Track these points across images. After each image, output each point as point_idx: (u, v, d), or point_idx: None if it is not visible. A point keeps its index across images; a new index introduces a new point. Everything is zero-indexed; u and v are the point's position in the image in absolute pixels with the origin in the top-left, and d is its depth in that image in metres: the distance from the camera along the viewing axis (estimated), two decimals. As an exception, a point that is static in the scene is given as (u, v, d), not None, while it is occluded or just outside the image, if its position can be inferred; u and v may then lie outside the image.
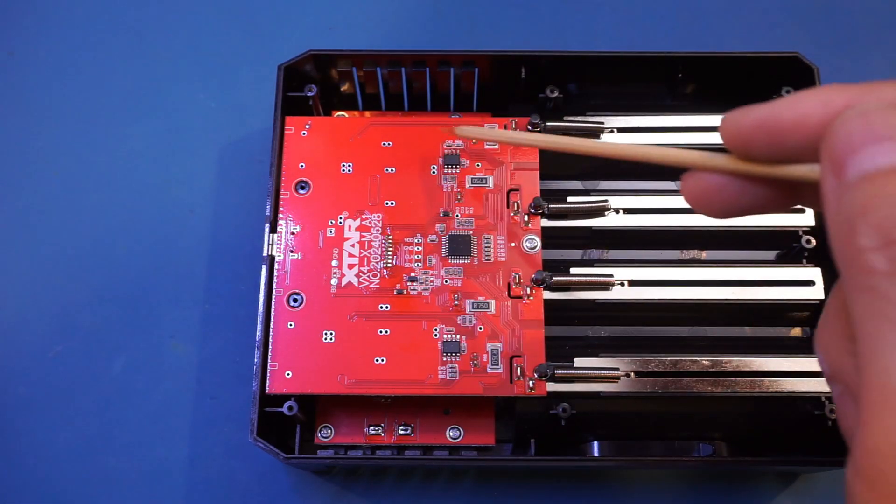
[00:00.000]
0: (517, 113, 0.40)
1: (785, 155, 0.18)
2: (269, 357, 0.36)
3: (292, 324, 0.36)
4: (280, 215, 0.38)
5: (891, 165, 0.16)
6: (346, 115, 0.43)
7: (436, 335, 0.36)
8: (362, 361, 0.36)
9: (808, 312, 0.38)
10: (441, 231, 0.38)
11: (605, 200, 0.38)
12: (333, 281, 0.37)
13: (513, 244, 0.38)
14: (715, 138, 0.40)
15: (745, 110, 0.19)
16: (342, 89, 0.42)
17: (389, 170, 0.39)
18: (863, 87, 0.17)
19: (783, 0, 0.50)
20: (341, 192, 0.38)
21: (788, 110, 0.18)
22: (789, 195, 0.20)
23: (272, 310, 0.36)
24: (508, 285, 0.37)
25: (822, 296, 0.37)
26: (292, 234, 0.38)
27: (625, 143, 0.21)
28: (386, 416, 0.38)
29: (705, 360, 0.36)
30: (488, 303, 0.37)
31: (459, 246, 0.37)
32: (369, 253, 0.37)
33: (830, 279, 0.38)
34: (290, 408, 0.35)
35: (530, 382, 0.35)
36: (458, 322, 0.36)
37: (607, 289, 0.37)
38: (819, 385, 0.36)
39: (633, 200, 0.39)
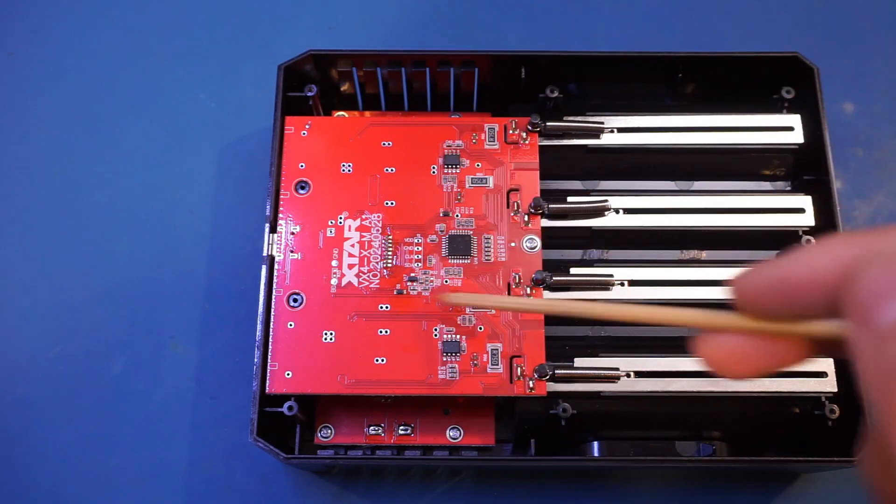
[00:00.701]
0: (517, 113, 0.40)
1: (800, 312, 0.18)
2: (269, 357, 0.36)
3: (292, 324, 0.36)
4: (280, 215, 0.38)
5: None
6: (346, 115, 0.43)
7: (436, 335, 0.36)
8: (362, 361, 0.36)
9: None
10: (441, 231, 0.38)
11: (605, 200, 0.38)
12: (333, 281, 0.37)
13: (513, 244, 0.38)
14: (714, 138, 0.40)
15: (755, 272, 0.19)
16: (342, 89, 0.42)
17: (389, 170, 0.39)
18: (870, 235, 0.17)
19: (783, 0, 0.50)
20: (341, 192, 0.38)
21: (800, 269, 0.18)
22: (809, 348, 0.19)
23: (272, 310, 0.36)
24: (508, 285, 0.37)
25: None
26: (292, 234, 0.38)
27: (635, 306, 0.21)
28: (386, 416, 0.38)
29: (705, 360, 0.36)
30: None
31: (459, 246, 0.37)
32: (369, 253, 0.37)
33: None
34: (290, 408, 0.35)
35: (530, 382, 0.35)
36: (458, 322, 0.36)
37: (607, 289, 0.37)
38: (819, 385, 0.36)
39: (633, 200, 0.39)
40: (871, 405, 0.17)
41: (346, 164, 0.39)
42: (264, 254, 0.37)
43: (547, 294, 0.37)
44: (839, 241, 0.18)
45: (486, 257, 0.37)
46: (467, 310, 0.36)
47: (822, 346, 0.19)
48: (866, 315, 0.16)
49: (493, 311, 0.36)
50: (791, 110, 0.40)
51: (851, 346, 0.17)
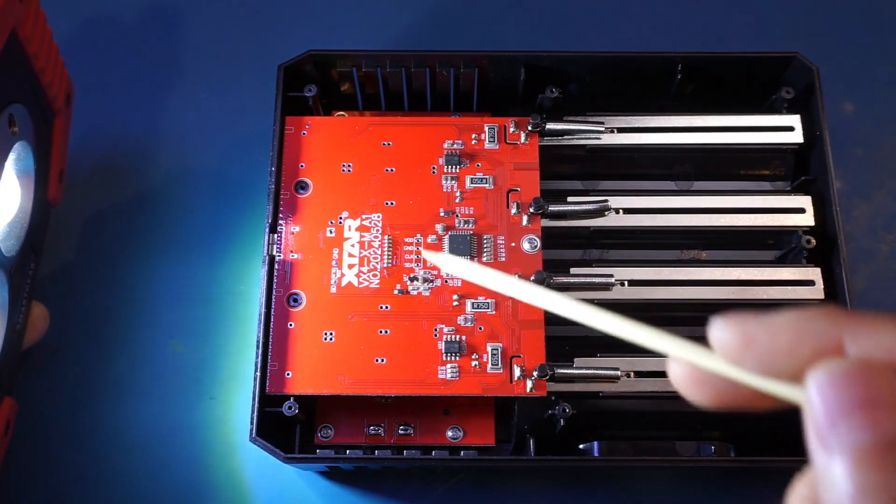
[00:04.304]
0: (517, 113, 0.40)
1: (768, 371, 0.18)
2: (269, 357, 0.36)
3: (292, 324, 0.36)
4: (280, 215, 0.38)
5: (870, 442, 0.16)
6: (346, 115, 0.43)
7: (436, 335, 0.36)
8: (362, 361, 0.36)
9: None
10: (441, 231, 0.38)
11: (605, 200, 0.38)
12: (333, 281, 0.37)
13: (513, 244, 0.38)
14: (714, 138, 0.40)
15: (737, 323, 0.18)
16: (342, 89, 0.42)
17: (389, 170, 0.39)
18: (859, 323, 0.17)
19: (783, 0, 0.50)
20: (341, 192, 0.38)
21: (774, 335, 0.18)
22: (775, 401, 0.19)
23: (272, 310, 0.36)
24: (508, 285, 0.37)
25: (821, 296, 0.37)
26: (292, 234, 0.38)
27: (621, 321, 0.21)
28: (386, 416, 0.38)
29: (705, 360, 0.36)
30: (488, 303, 0.37)
31: (459, 246, 0.37)
32: (369, 253, 0.37)
33: (830, 279, 0.38)
34: (290, 408, 0.35)
35: (530, 382, 0.35)
36: (458, 322, 0.36)
37: (607, 289, 0.37)
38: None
39: (633, 200, 0.39)
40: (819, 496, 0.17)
41: (346, 164, 0.39)
42: (264, 254, 0.37)
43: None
44: (828, 319, 0.17)
45: (486, 257, 0.37)
46: (467, 308, 0.36)
47: (787, 403, 0.19)
48: (818, 433, 0.16)
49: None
50: (791, 110, 0.40)
51: (809, 448, 0.17)
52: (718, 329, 0.19)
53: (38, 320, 0.39)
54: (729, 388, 0.19)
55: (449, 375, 0.36)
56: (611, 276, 0.37)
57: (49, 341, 0.41)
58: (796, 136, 0.40)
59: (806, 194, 0.39)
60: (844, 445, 0.16)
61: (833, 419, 0.16)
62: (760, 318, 0.18)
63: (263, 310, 0.36)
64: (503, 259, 0.37)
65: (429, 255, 0.30)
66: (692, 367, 0.19)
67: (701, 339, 0.19)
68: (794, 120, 0.40)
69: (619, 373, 0.36)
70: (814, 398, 0.17)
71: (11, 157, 0.36)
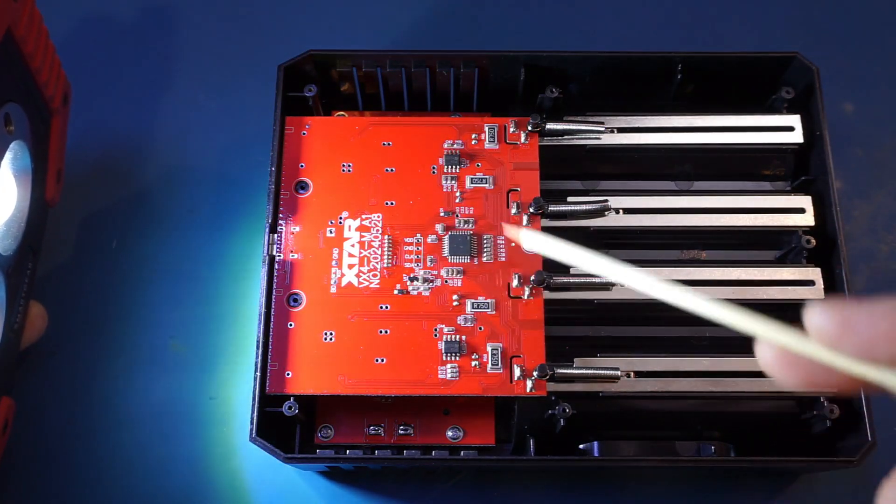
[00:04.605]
0: (517, 113, 0.40)
1: (873, 356, 0.18)
2: (269, 357, 0.36)
3: (292, 324, 0.36)
4: (280, 215, 0.38)
5: None
6: (346, 115, 0.43)
7: (436, 335, 0.36)
8: (362, 361, 0.36)
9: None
10: (441, 231, 0.38)
11: (605, 200, 0.38)
12: (333, 281, 0.37)
13: (513, 244, 0.38)
14: (714, 138, 0.40)
15: (837, 308, 0.18)
16: (342, 89, 0.42)
17: (389, 170, 0.39)
18: None
19: (783, 0, 0.50)
20: (341, 192, 0.38)
21: (882, 320, 0.18)
22: (866, 385, 0.19)
23: (272, 310, 0.36)
24: (508, 285, 0.37)
25: (821, 296, 0.37)
26: (292, 234, 0.38)
27: (718, 305, 0.21)
28: (386, 416, 0.38)
29: (705, 360, 0.36)
30: (488, 303, 0.37)
31: (460, 246, 0.37)
32: (369, 253, 0.37)
33: (830, 279, 0.38)
34: (290, 408, 0.35)
35: (530, 382, 0.35)
36: (459, 322, 0.36)
37: (607, 289, 0.37)
38: (819, 385, 0.36)
39: (633, 200, 0.39)
40: None
41: (346, 164, 0.39)
42: (264, 254, 0.37)
43: (547, 294, 0.37)
44: None
45: (486, 257, 0.37)
46: (467, 308, 0.36)
47: (877, 387, 0.19)
48: None
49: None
50: (791, 110, 0.40)
51: None
52: (816, 314, 0.19)
53: (37, 320, 0.39)
54: (820, 371, 0.19)
55: (449, 375, 0.36)
56: (611, 276, 0.37)
57: (48, 342, 0.41)
58: (796, 136, 0.40)
59: (806, 194, 0.39)
60: None
61: None
62: (860, 303, 0.18)
63: (263, 310, 0.36)
64: (503, 259, 0.37)
65: (509, 231, 0.29)
66: (783, 349, 0.19)
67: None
68: (794, 120, 0.40)
69: (619, 373, 0.36)
70: None
71: (8, 156, 0.36)
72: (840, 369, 0.19)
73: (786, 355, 0.19)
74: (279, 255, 0.37)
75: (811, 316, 0.19)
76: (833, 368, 0.19)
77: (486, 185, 0.39)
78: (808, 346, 0.19)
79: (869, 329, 0.18)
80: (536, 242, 0.26)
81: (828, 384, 0.19)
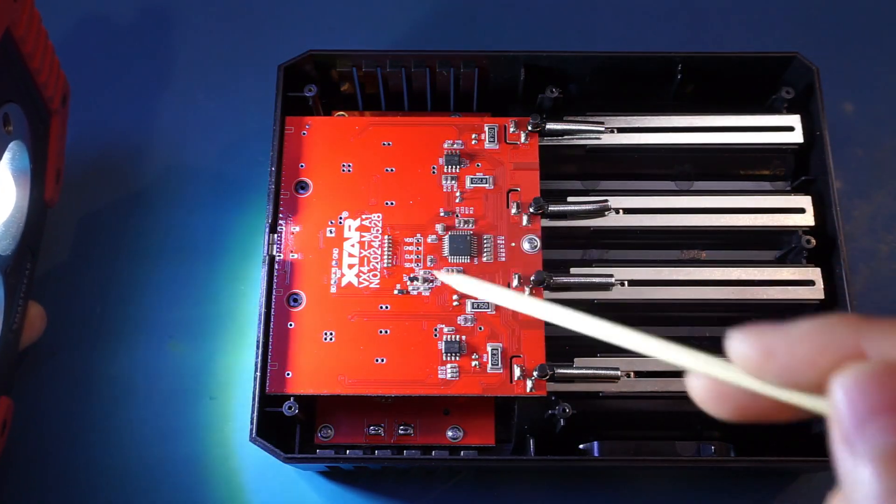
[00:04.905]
0: (517, 113, 0.40)
1: (789, 382, 0.18)
2: (269, 357, 0.36)
3: (292, 324, 0.36)
4: (280, 215, 0.38)
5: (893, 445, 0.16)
6: (346, 115, 0.43)
7: (436, 335, 0.36)
8: (362, 361, 0.36)
9: (808, 312, 0.38)
10: (441, 231, 0.38)
11: (605, 200, 0.38)
12: (333, 281, 0.37)
13: (513, 244, 0.38)
14: (714, 138, 0.40)
15: (755, 335, 0.18)
16: (342, 89, 0.42)
17: (389, 170, 0.39)
18: (879, 327, 0.17)
19: (783, 0, 0.50)
20: (341, 192, 0.38)
21: (794, 345, 0.18)
22: (797, 412, 0.19)
23: (272, 310, 0.36)
24: (508, 285, 0.37)
25: (821, 296, 0.37)
26: (292, 234, 0.38)
27: (631, 332, 0.21)
28: (386, 416, 0.37)
29: (705, 360, 0.36)
30: (488, 303, 0.37)
31: (460, 246, 0.37)
32: (369, 253, 0.37)
33: (830, 279, 0.38)
34: (290, 408, 0.35)
35: (530, 382, 0.35)
36: (458, 322, 0.36)
37: (607, 289, 0.37)
38: (819, 385, 0.36)
39: (633, 200, 0.39)
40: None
41: (346, 164, 0.39)
42: (264, 254, 0.37)
43: (547, 294, 0.37)
44: (840, 326, 0.17)
45: (486, 257, 0.37)
46: (467, 308, 0.36)
47: (809, 411, 0.19)
48: (845, 437, 0.16)
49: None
50: (791, 110, 0.40)
51: (833, 450, 0.17)
52: (737, 342, 0.18)
53: (36, 320, 0.40)
54: (750, 400, 0.19)
55: (449, 375, 0.36)
56: (611, 276, 0.37)
57: (47, 343, 0.41)
58: (796, 136, 0.40)
59: (806, 194, 0.39)
60: (872, 448, 0.16)
61: (860, 423, 0.16)
62: (779, 328, 0.18)
63: (263, 310, 0.36)
64: (503, 259, 0.37)
65: (442, 277, 0.30)
66: (712, 380, 0.19)
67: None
68: (794, 120, 0.40)
69: (619, 373, 0.36)
70: (839, 402, 0.16)
71: (7, 156, 0.36)
72: (767, 396, 0.18)
73: (715, 387, 0.19)
74: (279, 255, 0.37)
75: (732, 343, 0.18)
76: (761, 396, 0.18)
77: (486, 185, 0.39)
78: (734, 375, 0.19)
79: (788, 354, 0.18)
80: (469, 286, 0.26)
81: (759, 413, 0.19)
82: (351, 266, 0.37)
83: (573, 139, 0.40)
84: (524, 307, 0.23)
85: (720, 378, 0.19)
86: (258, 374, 0.35)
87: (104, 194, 0.45)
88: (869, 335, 0.17)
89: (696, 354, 0.19)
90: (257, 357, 0.35)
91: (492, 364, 0.36)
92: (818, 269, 0.38)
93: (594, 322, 0.21)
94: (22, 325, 0.38)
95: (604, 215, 0.39)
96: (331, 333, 0.36)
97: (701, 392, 0.19)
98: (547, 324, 0.36)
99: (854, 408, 0.16)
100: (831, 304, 0.37)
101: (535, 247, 0.37)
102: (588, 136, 0.39)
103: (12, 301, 0.37)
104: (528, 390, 0.35)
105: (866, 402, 0.16)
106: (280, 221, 0.38)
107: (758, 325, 0.18)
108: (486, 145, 0.39)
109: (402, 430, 0.37)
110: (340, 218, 0.38)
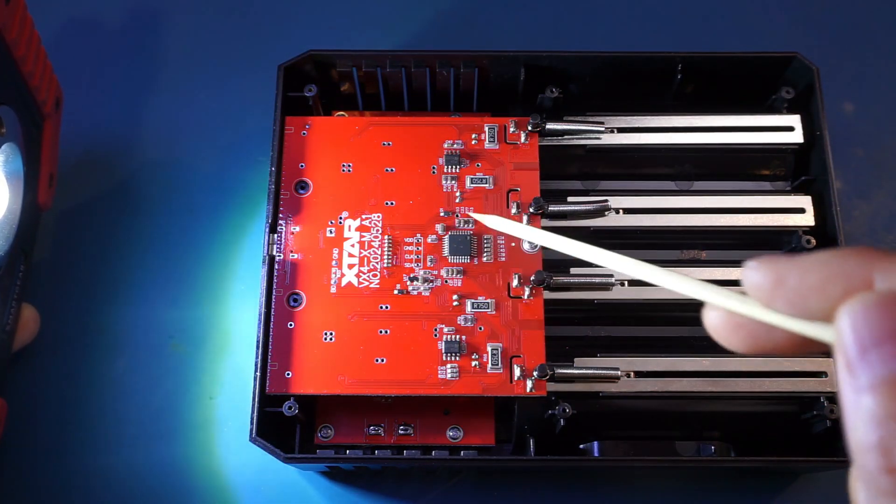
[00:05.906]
0: (517, 113, 0.40)
1: (799, 311, 0.18)
2: (269, 357, 0.36)
3: (292, 324, 0.36)
4: (280, 215, 0.38)
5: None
6: (346, 115, 0.43)
7: (436, 335, 0.36)
8: (362, 361, 0.36)
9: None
10: (441, 231, 0.38)
11: (605, 200, 0.38)
12: (333, 281, 0.37)
13: (513, 244, 0.38)
14: (714, 138, 0.40)
15: (768, 263, 0.19)
16: (342, 89, 0.42)
17: (389, 170, 0.39)
18: (889, 259, 0.17)
19: (783, 0, 0.50)
20: (341, 192, 0.38)
21: (812, 273, 0.18)
22: (806, 342, 0.19)
23: (272, 310, 0.36)
24: (508, 285, 0.37)
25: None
26: (292, 234, 0.38)
27: (646, 265, 0.21)
28: (386, 416, 0.37)
29: (705, 360, 0.36)
30: (488, 303, 0.37)
31: (460, 246, 0.37)
32: (369, 253, 0.37)
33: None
34: (290, 408, 0.35)
35: (530, 382, 0.35)
36: (459, 322, 0.36)
37: (607, 289, 0.37)
38: (819, 385, 0.36)
39: (633, 200, 0.39)
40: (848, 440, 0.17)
41: (346, 164, 0.39)
42: (264, 254, 0.37)
43: (547, 294, 0.37)
44: (852, 257, 0.17)
45: (486, 257, 0.37)
46: (467, 308, 0.36)
47: (819, 343, 0.19)
48: (848, 364, 0.16)
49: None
50: (791, 110, 0.40)
51: (837, 381, 0.17)
52: (751, 270, 0.19)
53: (29, 322, 0.40)
54: (764, 332, 0.19)
55: (449, 375, 0.36)
56: (611, 275, 0.37)
57: (42, 344, 0.41)
58: (796, 136, 0.40)
59: (806, 194, 0.39)
60: (875, 375, 0.16)
61: (864, 349, 0.16)
62: (791, 258, 0.18)
63: (263, 310, 0.36)
64: (503, 259, 0.37)
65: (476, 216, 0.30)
66: (727, 313, 0.20)
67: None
68: (794, 120, 0.40)
69: (619, 373, 0.36)
70: (844, 329, 0.16)
71: (0, 157, 0.36)
72: (778, 326, 0.19)
73: (730, 319, 0.20)
74: (279, 255, 0.37)
75: (746, 272, 0.19)
76: (774, 328, 0.19)
77: (486, 185, 0.39)
78: (749, 307, 0.19)
79: (799, 282, 0.18)
80: (501, 225, 0.28)
81: (772, 345, 0.19)
82: (351, 266, 0.37)
83: (573, 139, 0.40)
84: (565, 247, 0.24)
85: (734, 310, 0.19)
86: (258, 374, 0.35)
87: (106, 195, 0.45)
88: (880, 267, 0.17)
89: (711, 287, 0.20)
90: (257, 357, 0.35)
91: (492, 364, 0.36)
92: (818, 269, 0.38)
93: (609, 255, 0.22)
94: (15, 327, 0.38)
95: (604, 215, 0.39)
96: (331, 333, 0.36)
97: (716, 324, 0.20)
98: (547, 324, 0.36)
99: (858, 335, 0.16)
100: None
101: (535, 247, 0.37)
102: (588, 136, 0.39)
103: (5, 303, 0.37)
104: (528, 390, 0.35)
105: (870, 330, 0.16)
106: (280, 221, 0.38)
107: (771, 255, 0.19)
108: (486, 145, 0.39)
109: (402, 430, 0.37)
110: (340, 218, 0.38)
